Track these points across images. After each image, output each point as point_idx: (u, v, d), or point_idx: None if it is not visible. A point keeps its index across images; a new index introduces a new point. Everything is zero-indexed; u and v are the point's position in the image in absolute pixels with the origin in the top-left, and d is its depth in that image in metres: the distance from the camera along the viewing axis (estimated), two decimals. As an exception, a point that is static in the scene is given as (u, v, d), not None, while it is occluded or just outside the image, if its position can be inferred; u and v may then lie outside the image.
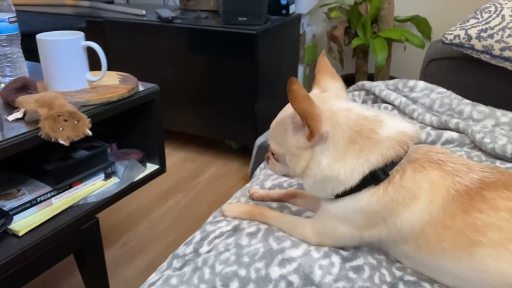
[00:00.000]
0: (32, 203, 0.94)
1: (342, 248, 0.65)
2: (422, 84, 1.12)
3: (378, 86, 1.15)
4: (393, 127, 0.62)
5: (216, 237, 0.67)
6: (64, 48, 0.99)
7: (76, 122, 0.89)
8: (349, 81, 2.29)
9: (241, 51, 1.85)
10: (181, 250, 0.67)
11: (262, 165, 1.01)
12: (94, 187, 1.05)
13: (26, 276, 0.93)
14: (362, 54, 2.15)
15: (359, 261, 0.62)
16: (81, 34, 1.01)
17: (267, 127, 2.01)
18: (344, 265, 0.61)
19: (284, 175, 0.72)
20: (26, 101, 0.90)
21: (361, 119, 0.62)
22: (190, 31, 1.93)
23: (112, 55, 1.91)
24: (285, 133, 0.65)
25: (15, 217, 0.90)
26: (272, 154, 0.70)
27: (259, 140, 1.82)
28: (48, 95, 0.92)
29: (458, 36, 1.21)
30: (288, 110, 0.67)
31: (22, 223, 0.91)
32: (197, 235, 0.69)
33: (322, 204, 0.65)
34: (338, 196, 0.62)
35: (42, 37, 0.98)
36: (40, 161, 1.01)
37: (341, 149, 0.61)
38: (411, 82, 1.13)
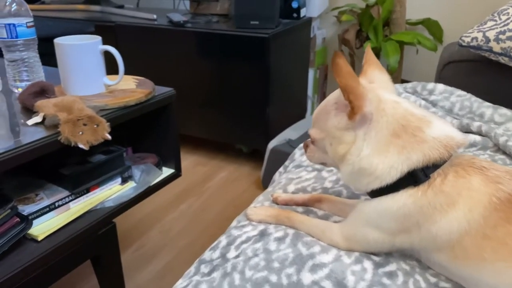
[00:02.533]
0: (51, 208, 0.94)
1: (373, 253, 0.64)
2: (441, 86, 1.11)
3: (396, 89, 1.14)
4: (440, 129, 0.60)
5: (243, 242, 0.66)
6: (82, 52, 0.99)
7: (95, 126, 0.88)
8: (360, 84, 2.27)
9: (252, 54, 1.85)
10: (207, 255, 0.66)
11: (281, 169, 1.00)
12: (111, 192, 1.05)
13: (45, 282, 0.92)
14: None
15: (391, 267, 0.60)
16: (98, 38, 1.01)
17: (278, 131, 2.00)
18: (377, 270, 0.60)
19: (321, 163, 0.69)
20: (45, 105, 0.90)
21: (408, 115, 0.60)
22: (202, 35, 1.93)
23: (123, 59, 1.91)
24: (328, 115, 0.63)
25: (34, 222, 0.90)
26: (313, 141, 0.68)
27: (272, 144, 1.81)
28: (66, 99, 0.92)
29: (476, 38, 1.20)
30: (331, 95, 0.65)
31: (41, 228, 0.91)
32: (223, 240, 0.68)
33: (355, 206, 0.64)
34: (373, 193, 0.60)
35: (60, 41, 0.98)
36: (56, 165, 1.00)
37: (383, 140, 0.59)
38: (430, 85, 1.12)
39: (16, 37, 1.03)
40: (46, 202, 0.93)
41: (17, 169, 0.81)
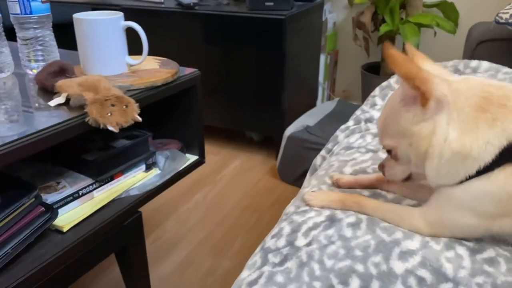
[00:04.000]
0: (75, 197, 0.87)
1: (463, 238, 0.57)
2: (486, 64, 1.04)
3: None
4: None
5: (311, 229, 0.59)
6: (105, 28, 0.91)
7: (124, 107, 0.81)
8: (374, 69, 2.22)
9: (267, 38, 1.77)
10: (271, 243, 0.59)
11: (323, 153, 0.94)
12: (135, 179, 0.98)
13: (71, 277, 0.86)
14: (389, 41, 2.07)
15: (490, 253, 0.54)
16: (120, 14, 0.93)
17: (294, 118, 1.94)
18: (475, 257, 0.54)
19: (407, 179, 0.63)
20: (69, 85, 0.83)
21: (486, 86, 0.55)
22: (213, 18, 1.85)
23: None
24: (398, 116, 0.57)
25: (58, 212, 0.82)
26: (388, 155, 0.63)
27: (289, 131, 1.75)
28: (91, 78, 0.84)
29: (515, 14, 1.14)
30: (393, 97, 0.59)
31: (65, 218, 0.84)
32: (286, 227, 0.61)
33: (440, 190, 0.57)
34: (470, 178, 0.54)
35: (81, 17, 0.90)
36: (77, 151, 0.93)
37: (470, 118, 0.53)
38: (474, 63, 1.06)
39: (30, 13, 0.95)
40: (69, 191, 0.86)
41: (34, 156, 0.73)
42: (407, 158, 0.59)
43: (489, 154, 0.52)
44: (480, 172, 0.53)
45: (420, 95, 0.53)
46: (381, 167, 0.65)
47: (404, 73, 0.52)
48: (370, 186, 0.69)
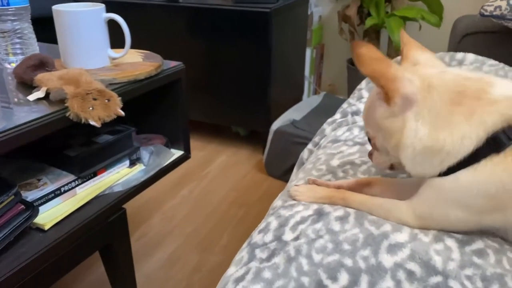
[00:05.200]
0: (56, 194, 0.85)
1: (452, 231, 0.57)
2: (471, 56, 1.05)
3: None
4: (509, 88, 0.53)
5: (298, 223, 0.58)
6: (86, 20, 0.89)
7: (106, 101, 0.79)
8: (359, 63, 2.21)
9: (253, 31, 1.75)
10: (258, 238, 0.58)
11: (310, 146, 0.93)
12: (119, 175, 0.96)
13: (54, 276, 0.83)
14: (375, 35, 2.08)
15: (479, 244, 0.54)
16: (102, 6, 0.91)
17: (280, 113, 1.92)
18: (464, 249, 0.53)
19: (390, 168, 0.63)
20: (48, 78, 0.80)
21: (461, 79, 0.54)
22: (198, 11, 1.82)
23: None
24: (373, 110, 0.58)
25: (39, 209, 0.80)
26: (372, 145, 0.64)
27: (275, 125, 1.74)
28: (72, 71, 0.82)
29: (500, 7, 1.14)
30: (375, 87, 0.59)
31: (47, 216, 0.82)
32: (273, 221, 0.60)
33: (428, 182, 0.56)
34: (450, 170, 0.53)
35: (61, 8, 0.87)
36: (59, 147, 0.91)
37: (443, 113, 0.53)
38: (459, 55, 1.06)
39: (8, 4, 0.92)
40: (50, 188, 0.84)
41: (13, 152, 0.71)
42: (385, 149, 0.60)
43: (465, 147, 0.51)
44: (463, 164, 0.52)
45: (384, 94, 0.54)
46: (369, 155, 0.66)
47: (369, 73, 0.53)
48: (350, 190, 0.67)
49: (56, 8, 0.87)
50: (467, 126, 0.52)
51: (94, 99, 0.78)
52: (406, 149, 0.56)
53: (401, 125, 0.55)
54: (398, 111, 0.55)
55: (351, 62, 2.20)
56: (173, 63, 1.03)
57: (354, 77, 2.16)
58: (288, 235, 0.57)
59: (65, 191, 0.86)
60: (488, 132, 0.51)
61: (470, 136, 0.51)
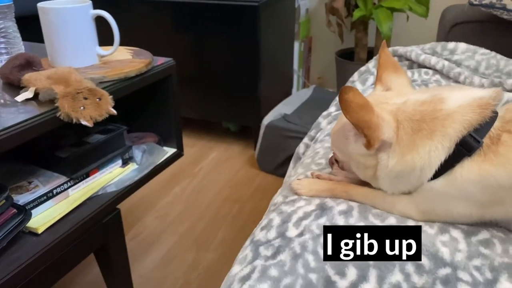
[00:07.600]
0: (48, 196, 0.83)
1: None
2: (463, 45, 1.05)
3: (414, 51, 1.07)
4: (460, 97, 0.55)
5: (301, 218, 0.58)
6: (73, 17, 0.86)
7: (97, 100, 0.77)
8: (348, 55, 2.21)
9: (241, 25, 1.74)
10: (261, 235, 0.57)
11: (306, 140, 0.92)
12: (112, 175, 0.94)
13: (49, 280, 0.82)
14: (362, 27, 2.07)
15: (485, 235, 0.54)
16: (89, 2, 0.89)
17: (270, 107, 1.91)
18: (470, 239, 0.53)
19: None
20: (36, 78, 0.78)
21: (418, 107, 0.56)
22: (185, 6, 1.79)
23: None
24: (347, 141, 0.60)
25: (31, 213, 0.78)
26: (337, 161, 0.67)
27: (267, 120, 1.73)
28: (61, 70, 0.80)
29: (488, -5, 1.15)
30: (343, 116, 0.60)
31: (40, 219, 0.80)
32: (275, 218, 0.59)
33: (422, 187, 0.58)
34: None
35: (47, 5, 0.85)
36: (50, 148, 0.89)
37: (407, 143, 0.55)
38: (451, 45, 1.06)
39: (-10, 3, 0.89)
40: (42, 190, 0.82)
41: (2, 155, 0.69)
42: (354, 173, 0.63)
43: (435, 158, 0.54)
44: (439, 173, 0.54)
45: (366, 140, 0.55)
46: (331, 163, 0.69)
47: (355, 122, 0.54)
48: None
49: (41, 5, 0.85)
50: (430, 142, 0.54)
51: (85, 98, 0.76)
52: (381, 180, 0.59)
53: (375, 163, 0.58)
54: (375, 152, 0.57)
55: (339, 55, 2.20)
56: (162, 60, 1.01)
57: (342, 69, 2.16)
58: (292, 231, 0.56)
59: (57, 193, 0.84)
60: (455, 140, 0.53)
61: (436, 148, 0.54)
